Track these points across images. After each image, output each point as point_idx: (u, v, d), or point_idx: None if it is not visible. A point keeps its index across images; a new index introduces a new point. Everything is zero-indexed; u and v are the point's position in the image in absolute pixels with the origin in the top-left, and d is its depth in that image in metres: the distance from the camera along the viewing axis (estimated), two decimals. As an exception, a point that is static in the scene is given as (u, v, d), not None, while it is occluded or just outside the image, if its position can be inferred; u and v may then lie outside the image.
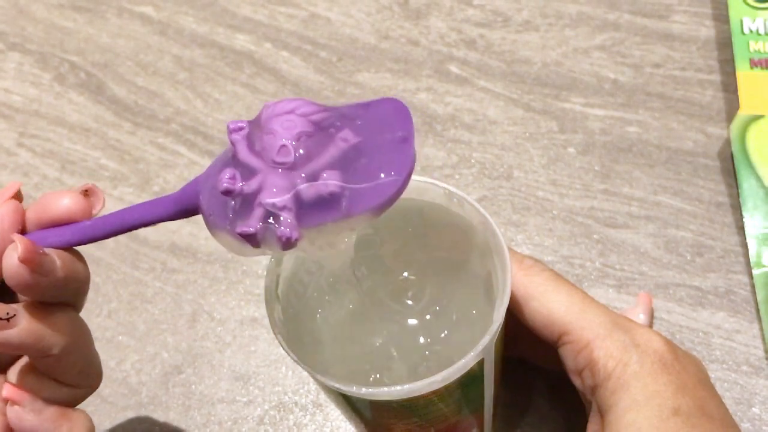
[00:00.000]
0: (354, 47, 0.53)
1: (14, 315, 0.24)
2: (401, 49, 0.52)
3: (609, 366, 0.28)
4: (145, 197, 0.48)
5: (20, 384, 0.26)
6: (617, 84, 0.49)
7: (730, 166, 0.44)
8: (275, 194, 0.22)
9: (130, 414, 0.40)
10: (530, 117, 0.48)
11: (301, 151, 0.22)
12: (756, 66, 0.46)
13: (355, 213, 0.22)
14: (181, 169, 0.49)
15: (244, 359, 0.41)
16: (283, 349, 0.26)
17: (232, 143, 0.23)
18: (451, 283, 0.30)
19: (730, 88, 0.47)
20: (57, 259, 0.24)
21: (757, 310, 0.39)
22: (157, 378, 0.41)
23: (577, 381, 0.30)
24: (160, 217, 0.25)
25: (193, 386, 0.41)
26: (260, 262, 0.44)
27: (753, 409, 0.37)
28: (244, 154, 0.22)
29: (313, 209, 0.22)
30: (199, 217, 0.47)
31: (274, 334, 0.26)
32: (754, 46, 0.47)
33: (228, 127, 0.23)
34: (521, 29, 0.52)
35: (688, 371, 0.28)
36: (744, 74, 0.46)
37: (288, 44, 0.54)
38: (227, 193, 0.22)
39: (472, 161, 0.46)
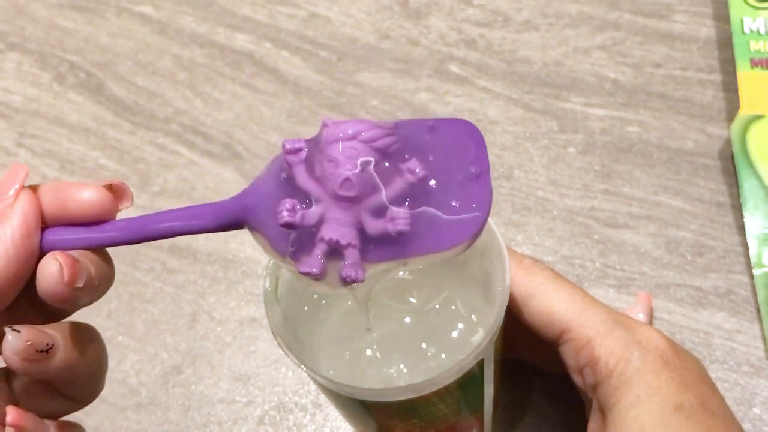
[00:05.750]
0: (354, 47, 0.53)
1: (53, 346, 0.22)
2: (401, 48, 0.52)
3: (611, 363, 0.28)
4: (144, 197, 0.48)
5: (27, 396, 0.25)
6: (618, 84, 0.48)
7: (730, 166, 0.44)
8: (339, 230, 0.20)
9: (130, 414, 0.40)
10: (530, 117, 0.48)
11: (366, 183, 0.20)
12: (757, 66, 0.46)
13: (425, 252, 0.20)
14: (180, 169, 0.49)
15: (243, 359, 0.41)
16: (283, 350, 0.26)
17: (289, 166, 0.21)
18: (449, 283, 0.30)
19: (730, 87, 0.47)
20: (91, 267, 0.23)
21: (758, 311, 0.39)
22: (156, 378, 0.41)
23: (578, 379, 0.30)
24: (202, 228, 0.23)
25: (193, 386, 0.41)
26: (260, 262, 0.44)
27: (754, 409, 0.37)
28: (303, 179, 0.21)
29: (378, 246, 0.20)
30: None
31: (274, 335, 0.26)
32: (754, 45, 0.47)
33: (283, 146, 0.21)
34: (521, 29, 0.52)
35: (690, 368, 0.28)
36: (745, 74, 0.46)
37: (288, 44, 0.54)
38: (287, 226, 0.21)
39: (472, 161, 0.46)
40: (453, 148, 0.21)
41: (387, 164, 0.20)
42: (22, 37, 0.57)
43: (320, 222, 0.21)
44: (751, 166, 0.42)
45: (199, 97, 0.52)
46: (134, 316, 0.43)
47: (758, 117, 0.44)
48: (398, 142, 0.21)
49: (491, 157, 0.46)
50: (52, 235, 0.23)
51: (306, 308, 0.30)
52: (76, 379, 0.24)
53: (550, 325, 0.30)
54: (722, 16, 0.50)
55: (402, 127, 0.21)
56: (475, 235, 0.20)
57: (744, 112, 0.44)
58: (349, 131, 0.20)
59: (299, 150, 0.21)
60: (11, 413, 0.24)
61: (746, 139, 0.43)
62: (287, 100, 0.51)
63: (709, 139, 0.45)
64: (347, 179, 0.20)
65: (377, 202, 0.20)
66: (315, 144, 0.21)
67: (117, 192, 0.24)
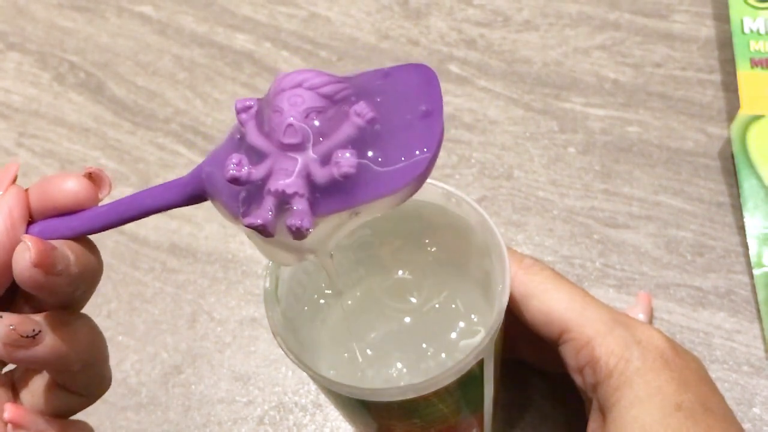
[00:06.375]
0: (354, 47, 0.53)
1: (40, 331, 0.22)
2: (401, 48, 0.52)
3: (611, 363, 0.28)
4: (144, 197, 0.48)
5: (30, 394, 0.25)
6: (617, 84, 0.48)
7: (730, 165, 0.44)
8: (285, 180, 0.20)
9: (130, 414, 0.40)
10: (530, 117, 0.48)
11: (311, 130, 0.19)
12: (757, 66, 0.46)
13: (375, 197, 0.20)
14: (180, 169, 0.49)
15: (243, 359, 0.41)
16: (283, 350, 0.26)
17: (241, 124, 0.21)
18: (449, 283, 0.30)
19: (730, 87, 0.47)
20: (70, 253, 0.22)
21: (758, 310, 0.39)
22: (156, 378, 0.41)
23: (578, 379, 0.30)
24: (171, 202, 0.23)
25: (193, 386, 0.41)
26: (260, 262, 0.44)
27: (754, 409, 0.37)
28: (252, 135, 0.20)
29: (328, 194, 0.20)
30: (198, 217, 0.47)
31: (274, 335, 0.26)
32: (754, 45, 0.47)
33: (235, 106, 0.21)
34: (521, 29, 0.52)
35: (690, 368, 0.28)
36: (744, 74, 0.46)
37: (288, 44, 0.54)
38: (234, 181, 0.20)
39: (473, 161, 0.46)
40: (405, 90, 0.21)
41: (334, 110, 0.20)
42: (22, 37, 0.57)
43: (268, 175, 0.20)
44: (751, 166, 0.42)
45: (199, 97, 0.52)
46: (134, 316, 0.43)
47: (758, 117, 0.44)
48: (348, 89, 0.20)
49: (491, 157, 0.46)
50: (37, 228, 0.23)
51: (306, 308, 0.30)
52: (70, 366, 0.24)
53: (550, 324, 0.30)
54: (722, 16, 0.50)
55: (357, 78, 0.21)
56: (422, 175, 0.20)
57: (744, 112, 0.44)
58: (295, 80, 0.20)
59: (249, 107, 0.21)
60: (9, 409, 0.24)
61: (746, 139, 0.43)
62: (287, 100, 0.51)
63: (709, 139, 0.45)
64: (290, 125, 0.19)
65: (323, 149, 0.20)
66: (265, 100, 0.21)
67: (96, 180, 0.24)
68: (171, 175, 0.49)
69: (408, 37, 0.53)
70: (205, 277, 0.44)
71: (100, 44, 0.56)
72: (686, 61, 0.49)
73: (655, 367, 0.28)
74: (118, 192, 0.48)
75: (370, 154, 0.20)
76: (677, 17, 0.51)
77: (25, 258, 0.21)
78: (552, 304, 0.29)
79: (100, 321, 0.40)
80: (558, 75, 0.49)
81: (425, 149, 0.19)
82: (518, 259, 0.31)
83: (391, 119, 0.20)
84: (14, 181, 0.24)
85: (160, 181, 0.48)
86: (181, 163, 0.49)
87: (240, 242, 0.45)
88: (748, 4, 0.48)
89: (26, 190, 0.24)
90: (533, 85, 0.49)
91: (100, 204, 0.24)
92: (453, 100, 0.49)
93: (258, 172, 0.20)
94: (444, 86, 0.50)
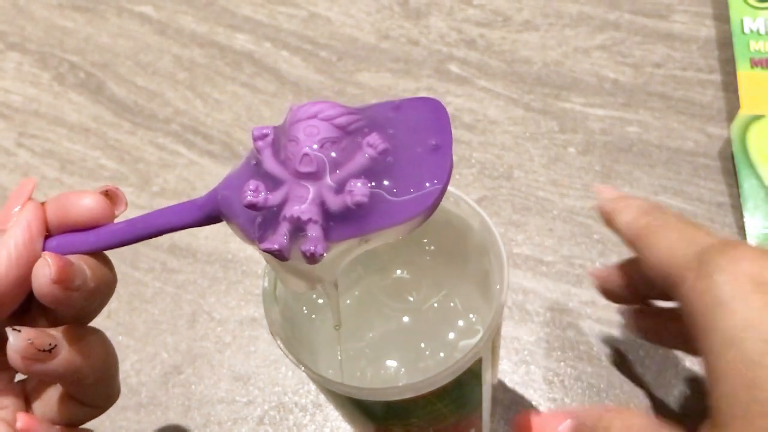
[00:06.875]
0: (354, 47, 0.53)
1: (56, 345, 0.23)
2: (401, 48, 0.52)
3: (698, 288, 0.24)
4: (144, 197, 0.48)
5: (42, 404, 0.26)
6: (617, 84, 0.48)
7: (730, 166, 0.44)
8: (300, 207, 0.20)
9: (130, 414, 0.40)
10: (530, 117, 0.48)
11: (326, 159, 0.20)
12: (756, 66, 0.46)
13: (386, 226, 0.20)
14: (180, 169, 0.49)
15: (243, 359, 0.41)
16: (281, 350, 0.26)
17: (258, 151, 0.22)
18: (448, 283, 0.30)
19: (730, 87, 0.47)
20: (87, 268, 0.23)
21: (758, 311, 0.39)
22: (156, 378, 0.41)
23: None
24: (187, 223, 0.24)
25: (193, 386, 0.41)
26: (260, 262, 0.44)
27: (753, 409, 0.37)
28: (269, 163, 0.21)
29: (342, 222, 0.20)
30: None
31: (272, 335, 0.26)
32: (754, 45, 0.47)
33: (252, 133, 0.22)
34: (521, 29, 0.52)
35: None
36: (744, 74, 0.46)
37: (288, 44, 0.54)
38: (251, 206, 0.21)
39: (473, 161, 0.46)
40: (416, 123, 0.22)
41: (348, 140, 0.21)
42: (22, 37, 0.57)
43: (284, 202, 0.21)
44: (751, 166, 0.42)
45: (199, 97, 0.52)
46: (134, 316, 0.43)
47: (758, 117, 0.44)
48: (361, 120, 0.21)
49: (491, 157, 0.46)
50: (54, 242, 0.24)
51: (304, 308, 0.30)
52: (84, 380, 0.24)
53: (659, 269, 0.27)
54: (722, 16, 0.50)
55: (369, 109, 0.22)
56: (432, 206, 0.20)
57: (744, 112, 0.44)
58: (310, 111, 0.21)
59: (266, 135, 0.21)
60: (21, 419, 0.24)
61: (746, 139, 0.43)
62: (287, 100, 0.51)
63: (709, 139, 0.45)
64: (306, 155, 0.20)
65: (337, 178, 0.20)
66: (281, 128, 0.21)
67: (112, 197, 0.25)
68: (171, 176, 0.49)
69: (408, 37, 0.53)
70: (205, 277, 0.44)
71: (100, 44, 0.56)
72: (686, 61, 0.49)
73: (743, 294, 0.23)
74: (118, 192, 0.48)
75: (382, 184, 0.20)
76: (677, 17, 0.51)
77: (45, 274, 0.22)
78: (663, 252, 0.27)
79: (100, 321, 0.40)
80: (558, 75, 0.49)
81: (435, 181, 0.20)
82: (644, 209, 0.30)
83: (403, 151, 0.21)
84: (30, 196, 0.25)
85: (160, 181, 0.48)
86: (181, 163, 0.49)
87: (240, 242, 0.45)
88: (748, 4, 0.48)
89: (43, 203, 0.24)
90: (533, 85, 0.49)
91: (115, 221, 0.25)
92: (453, 100, 0.49)
93: (274, 198, 0.21)
94: (444, 86, 0.50)
